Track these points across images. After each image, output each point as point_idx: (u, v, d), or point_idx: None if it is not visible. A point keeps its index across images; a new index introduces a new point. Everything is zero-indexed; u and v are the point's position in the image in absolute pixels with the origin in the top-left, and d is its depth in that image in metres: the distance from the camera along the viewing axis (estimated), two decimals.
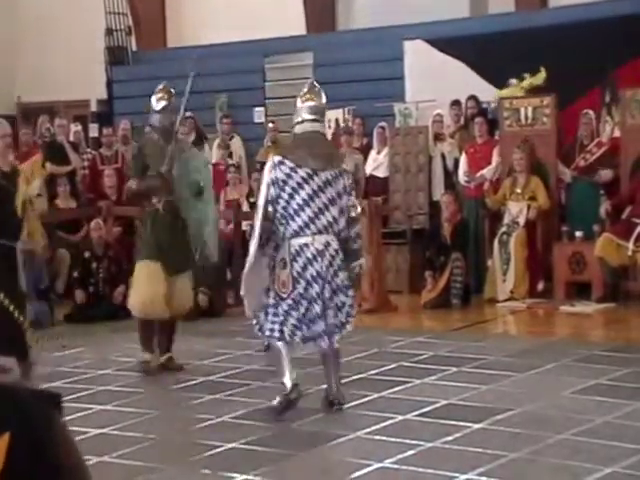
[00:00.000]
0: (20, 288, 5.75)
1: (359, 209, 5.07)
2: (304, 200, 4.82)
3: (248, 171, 10.80)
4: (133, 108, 12.88)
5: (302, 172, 4.84)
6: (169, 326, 6.04)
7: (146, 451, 4.56)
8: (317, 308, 4.85)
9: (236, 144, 11.17)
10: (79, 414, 5.21)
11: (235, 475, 4.21)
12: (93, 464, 4.36)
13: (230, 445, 4.59)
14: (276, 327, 4.92)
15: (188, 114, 10.80)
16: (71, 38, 14.42)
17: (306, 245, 4.84)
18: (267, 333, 4.95)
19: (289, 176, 4.83)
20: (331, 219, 4.87)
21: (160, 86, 6.15)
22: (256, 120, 12.33)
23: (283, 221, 4.86)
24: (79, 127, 11.60)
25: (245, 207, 9.98)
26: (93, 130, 12.93)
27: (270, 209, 4.86)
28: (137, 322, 6.10)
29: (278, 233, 4.91)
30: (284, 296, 4.88)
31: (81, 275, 8.27)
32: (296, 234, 4.85)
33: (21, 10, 15.26)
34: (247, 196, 10.20)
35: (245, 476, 4.20)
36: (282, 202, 4.84)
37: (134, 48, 14.27)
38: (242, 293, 5.09)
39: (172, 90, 6.13)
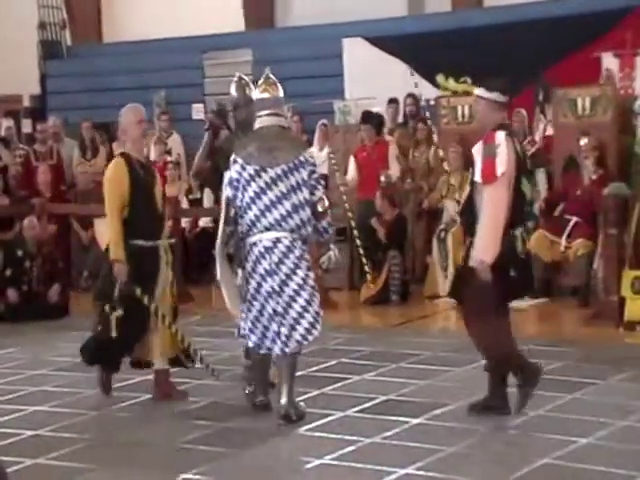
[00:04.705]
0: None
1: (326, 202, 4.89)
2: (251, 198, 4.78)
3: (187, 168, 10.70)
4: (68, 103, 12.65)
5: (250, 169, 4.80)
6: None
7: (82, 452, 4.49)
8: (271, 304, 4.76)
9: (175, 141, 11.07)
10: (12, 415, 5.10)
11: (173, 474, 4.17)
12: (27, 466, 4.27)
13: (169, 444, 4.55)
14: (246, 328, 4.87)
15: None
16: (2, 32, 14.06)
17: (254, 244, 4.80)
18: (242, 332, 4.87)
19: (240, 174, 4.81)
20: (284, 214, 4.75)
21: (235, 77, 6.00)
22: (195, 117, 12.23)
23: (240, 220, 4.83)
24: (11, 122, 11.34)
25: (185, 204, 9.90)
26: (26, 126, 12.65)
27: (232, 211, 4.82)
28: None
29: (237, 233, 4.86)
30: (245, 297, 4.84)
31: (14, 274, 8.09)
32: (247, 233, 4.82)
33: None
34: (186, 193, 10.12)
35: (184, 475, 4.17)
36: (237, 202, 4.82)
37: (69, 42, 14.00)
38: (224, 293, 4.98)
39: (249, 82, 5.97)
